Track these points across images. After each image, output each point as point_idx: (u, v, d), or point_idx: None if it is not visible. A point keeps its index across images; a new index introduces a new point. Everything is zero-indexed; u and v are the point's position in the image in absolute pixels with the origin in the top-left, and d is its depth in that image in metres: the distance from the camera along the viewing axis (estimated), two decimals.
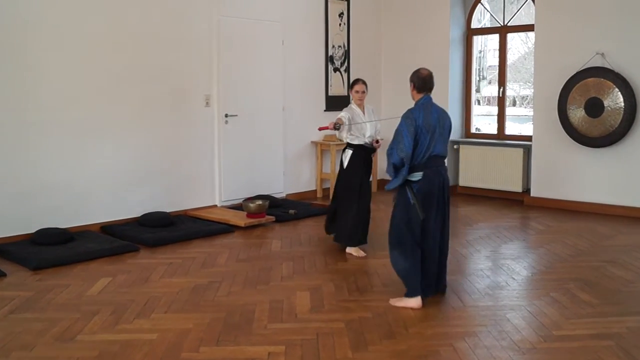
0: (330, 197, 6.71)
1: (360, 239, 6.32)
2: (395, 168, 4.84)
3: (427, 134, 4.77)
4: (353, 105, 6.40)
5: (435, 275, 4.90)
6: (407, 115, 4.85)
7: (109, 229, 7.05)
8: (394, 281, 5.36)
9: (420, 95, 4.97)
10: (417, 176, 4.81)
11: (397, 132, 4.83)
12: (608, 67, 7.94)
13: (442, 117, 4.91)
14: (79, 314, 4.58)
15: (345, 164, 6.34)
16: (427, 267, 4.84)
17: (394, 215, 4.96)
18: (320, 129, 6.60)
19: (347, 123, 6.24)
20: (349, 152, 6.34)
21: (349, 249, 6.32)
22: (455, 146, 9.75)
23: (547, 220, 7.84)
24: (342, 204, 6.36)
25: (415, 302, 4.75)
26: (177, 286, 5.25)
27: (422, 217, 4.77)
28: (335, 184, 6.56)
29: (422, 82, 4.96)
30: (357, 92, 6.36)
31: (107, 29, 7.11)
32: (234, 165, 8.39)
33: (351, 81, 6.78)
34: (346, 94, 9.88)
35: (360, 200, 6.29)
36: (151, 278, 5.49)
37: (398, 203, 4.93)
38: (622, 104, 7.83)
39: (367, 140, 6.34)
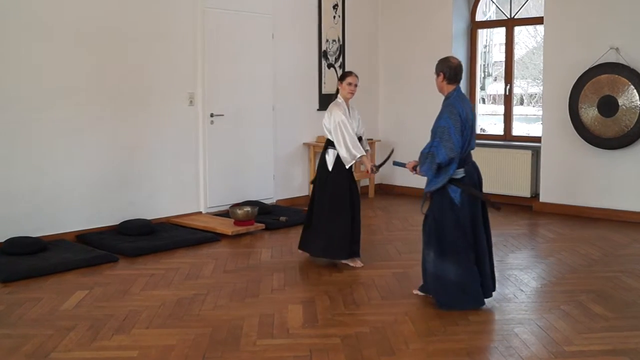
0: (309, 204, 6.51)
1: (352, 251, 6.24)
2: (438, 167, 4.83)
3: (468, 128, 4.85)
4: (340, 100, 6.28)
5: (489, 275, 4.97)
6: (451, 111, 4.85)
7: (85, 238, 7.04)
8: (393, 293, 5.38)
9: (451, 87, 5.00)
10: (460, 173, 4.87)
11: (443, 129, 4.81)
12: (623, 62, 7.98)
13: (471, 109, 5.00)
14: (52, 330, 4.56)
15: (331, 166, 6.20)
16: (483, 268, 4.91)
17: (436, 220, 4.94)
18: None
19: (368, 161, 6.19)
20: (334, 152, 6.21)
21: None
22: None
23: (557, 227, 7.87)
24: (327, 213, 6.18)
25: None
26: (159, 299, 5.24)
27: (491, 203, 4.85)
28: (316, 190, 6.34)
29: (454, 72, 4.98)
30: (350, 84, 6.24)
31: (82, 23, 7.11)
32: (220, 168, 8.40)
33: (341, 72, 6.65)
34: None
35: (352, 208, 6.21)
36: (131, 291, 5.48)
37: (439, 207, 4.92)
38: (638, 103, 7.88)
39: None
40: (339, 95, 6.32)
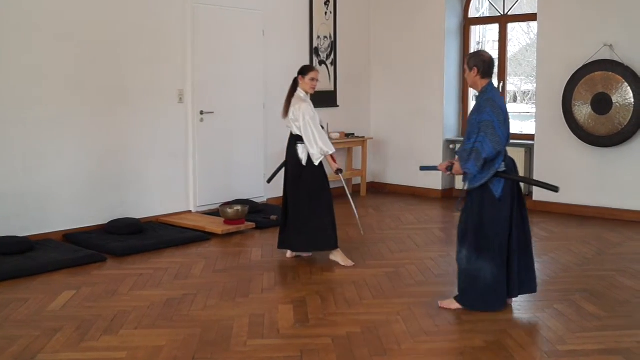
0: (283, 200, 6.48)
1: (336, 241, 6.32)
2: (484, 163, 4.78)
3: (507, 122, 4.86)
4: (303, 95, 6.26)
5: (517, 272, 4.93)
6: (493, 105, 4.83)
7: (72, 238, 7.02)
8: (385, 293, 5.39)
9: (485, 81, 4.97)
10: (502, 167, 4.85)
11: (487, 123, 4.78)
12: (617, 60, 8.01)
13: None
14: (39, 331, 4.55)
15: (305, 161, 6.18)
16: (511, 265, 4.88)
17: (475, 216, 4.90)
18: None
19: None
20: (304, 147, 6.18)
21: (335, 256, 6.31)
22: (451, 146, 9.79)
23: (550, 226, 7.89)
24: (308, 207, 6.19)
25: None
26: (148, 299, 5.23)
27: (548, 186, 4.87)
28: (290, 187, 6.31)
29: (488, 66, 4.96)
30: (313, 79, 6.24)
31: (68, 19, 7.08)
32: (210, 167, 8.39)
33: (302, 66, 6.44)
34: (333, 89, 9.90)
35: (330, 198, 6.29)
36: (119, 291, 5.46)
37: (480, 202, 4.88)
38: (632, 100, 7.91)
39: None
40: (300, 89, 6.27)
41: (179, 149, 8.13)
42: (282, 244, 6.49)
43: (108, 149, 7.46)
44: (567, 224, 7.98)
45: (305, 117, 6.11)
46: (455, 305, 4.97)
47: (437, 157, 9.69)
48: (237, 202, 8.18)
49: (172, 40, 7.97)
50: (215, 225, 7.50)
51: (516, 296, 5.02)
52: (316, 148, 6.10)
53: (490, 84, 4.98)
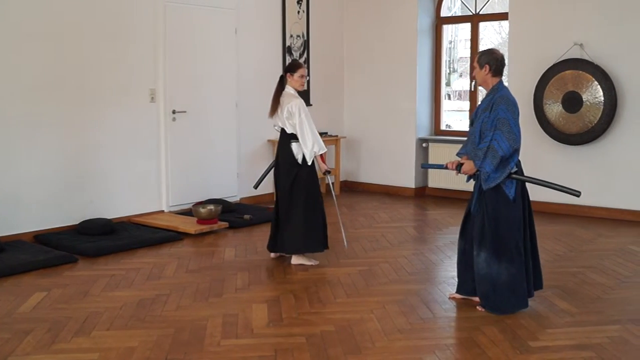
0: (277, 200, 6.40)
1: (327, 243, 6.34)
2: (500, 161, 4.75)
3: (519, 122, 4.86)
4: (293, 92, 6.19)
5: (532, 274, 4.96)
6: (508, 102, 4.82)
7: (43, 238, 6.95)
8: (359, 291, 5.40)
9: (496, 80, 4.96)
10: (514, 167, 4.83)
11: (503, 121, 4.76)
12: (587, 58, 8.10)
13: None
14: (9, 334, 4.50)
15: (300, 159, 6.13)
16: (528, 266, 4.90)
17: (490, 218, 4.85)
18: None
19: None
20: (298, 145, 6.13)
21: (299, 259, 6.23)
22: (424, 144, 9.84)
23: None
24: (303, 207, 6.13)
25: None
26: (120, 300, 5.20)
27: (569, 190, 4.79)
28: (285, 186, 6.20)
29: (501, 63, 4.95)
30: (302, 76, 6.18)
31: (38, 17, 7.01)
32: (182, 166, 8.35)
33: (290, 63, 6.34)
34: (306, 88, 9.89)
35: (322, 198, 6.30)
36: (91, 292, 5.42)
37: (494, 203, 4.85)
38: (602, 99, 8.00)
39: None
40: (289, 87, 6.21)
41: (151, 149, 8.08)
42: (275, 247, 6.36)
43: (79, 148, 7.40)
44: (539, 221, 7.97)
45: (301, 114, 6.05)
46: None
47: (410, 156, 9.74)
48: (210, 201, 8.16)
49: (144, 39, 7.92)
50: (188, 225, 7.47)
51: (532, 296, 5.01)
52: (310, 146, 6.06)
53: (501, 82, 4.98)
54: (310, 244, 6.20)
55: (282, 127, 6.20)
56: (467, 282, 5.10)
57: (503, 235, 4.83)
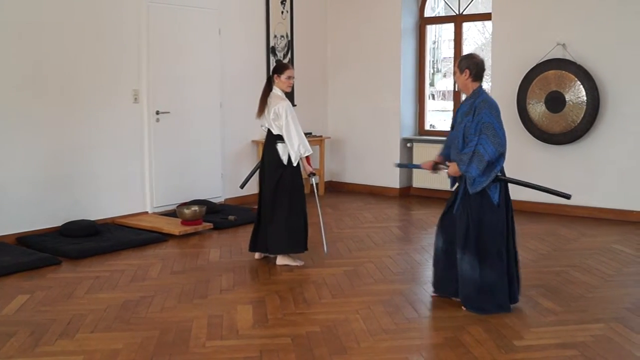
0: (259, 201, 6.43)
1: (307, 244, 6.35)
2: (485, 166, 4.78)
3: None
4: (281, 93, 6.18)
5: (515, 279, 4.99)
6: (491, 107, 4.85)
7: (26, 240, 6.90)
8: (344, 291, 5.41)
9: (476, 84, 4.99)
10: (498, 173, 4.87)
11: (487, 125, 4.78)
12: (569, 58, 8.15)
13: None
14: None
15: (286, 160, 6.14)
16: (511, 270, 4.92)
17: (475, 221, 4.88)
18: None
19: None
20: (284, 146, 6.13)
21: (284, 260, 6.24)
22: (408, 144, 9.86)
23: None
24: (288, 207, 6.13)
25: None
26: (104, 302, 5.17)
27: (560, 193, 4.88)
28: (270, 187, 6.20)
29: (481, 68, 4.98)
30: (289, 77, 6.19)
31: (19, 17, 6.96)
32: (166, 167, 8.32)
33: (277, 65, 6.34)
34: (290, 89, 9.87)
35: (305, 199, 6.31)
36: (75, 294, 5.40)
37: (479, 207, 4.88)
38: (585, 98, 8.05)
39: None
40: (276, 88, 6.20)
41: (134, 150, 8.05)
42: (256, 247, 6.38)
43: (62, 149, 7.35)
44: (522, 221, 8.09)
45: (287, 116, 6.05)
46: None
47: (394, 156, 9.75)
48: (195, 202, 8.14)
49: (127, 39, 7.89)
50: (173, 226, 7.45)
51: (517, 301, 5.01)
52: (296, 147, 6.06)
53: (482, 87, 5.01)
54: (293, 245, 6.21)
55: (269, 127, 6.20)
56: (449, 282, 5.12)
57: (486, 239, 4.86)
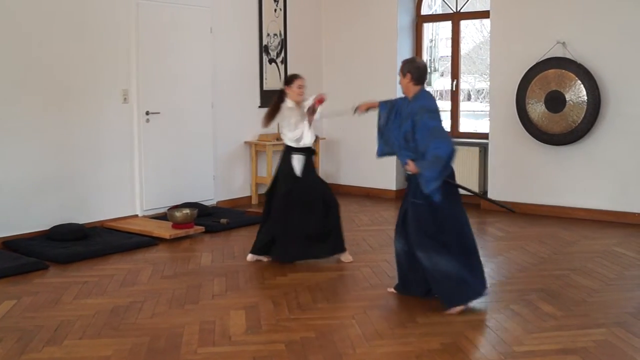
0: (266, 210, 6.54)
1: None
2: (443, 166, 4.94)
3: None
4: (291, 104, 6.33)
5: (481, 271, 5.16)
6: (430, 111, 5.02)
7: (12, 245, 6.89)
8: (339, 296, 5.41)
9: (417, 88, 5.16)
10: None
11: (435, 128, 4.97)
12: (570, 57, 8.16)
13: None
14: None
15: (299, 172, 6.31)
16: (472, 261, 5.09)
17: (420, 219, 5.07)
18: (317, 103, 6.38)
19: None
20: (300, 157, 6.33)
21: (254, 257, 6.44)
22: None
23: (505, 225, 8.00)
24: (300, 217, 6.28)
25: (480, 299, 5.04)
26: (93, 308, 5.16)
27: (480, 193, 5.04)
28: (282, 197, 6.33)
29: (422, 72, 5.15)
30: (300, 87, 6.35)
31: (8, 16, 6.95)
32: (156, 169, 8.31)
33: (286, 76, 6.65)
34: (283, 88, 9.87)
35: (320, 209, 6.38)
36: (63, 299, 5.38)
37: (424, 205, 5.04)
38: (585, 98, 8.06)
39: (308, 141, 6.36)
40: (288, 100, 6.36)
41: (124, 151, 8.03)
42: (260, 251, 6.47)
43: (49, 151, 7.34)
44: (522, 223, 8.10)
45: (290, 120, 6.26)
46: (456, 309, 5.00)
47: (391, 157, 9.71)
48: (186, 205, 8.13)
49: (116, 38, 7.87)
50: (163, 230, 7.44)
51: (486, 287, 5.22)
52: (290, 136, 6.29)
53: (423, 90, 5.18)
54: (313, 251, 6.39)
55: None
56: (414, 283, 5.30)
57: (434, 233, 5.03)
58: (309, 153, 6.41)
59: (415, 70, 5.12)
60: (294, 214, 6.31)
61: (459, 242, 5.07)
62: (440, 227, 5.04)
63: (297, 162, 6.32)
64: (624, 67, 7.97)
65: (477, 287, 5.09)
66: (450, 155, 4.93)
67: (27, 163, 7.16)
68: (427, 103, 5.09)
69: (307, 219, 6.31)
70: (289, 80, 6.44)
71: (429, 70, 10.36)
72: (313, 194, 6.35)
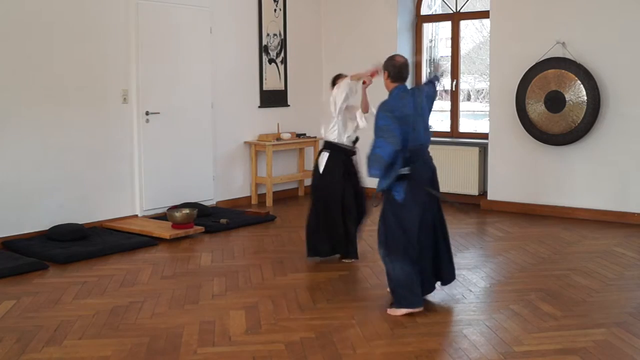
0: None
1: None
2: (386, 166, 4.95)
3: (406, 125, 4.99)
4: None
5: (430, 272, 5.14)
6: (385, 108, 5.04)
7: (11, 245, 6.89)
8: (339, 296, 5.41)
9: (394, 85, 5.19)
10: (404, 171, 4.99)
11: (380, 128, 4.98)
12: (569, 57, 8.16)
13: (418, 102, 5.11)
14: None
15: (322, 168, 6.39)
16: (424, 266, 5.07)
17: (383, 218, 5.13)
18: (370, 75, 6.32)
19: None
20: (324, 154, 6.44)
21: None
22: None
23: (505, 225, 8.01)
24: (323, 215, 6.37)
25: (416, 310, 4.95)
26: (92, 308, 5.16)
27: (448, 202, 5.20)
28: (312, 190, 6.59)
29: (398, 70, 5.18)
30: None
31: (5, 15, 6.95)
32: (156, 169, 8.31)
33: (334, 78, 6.72)
34: (283, 88, 9.89)
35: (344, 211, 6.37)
36: (62, 300, 5.38)
37: (385, 205, 5.11)
38: (585, 98, 8.06)
39: (344, 140, 6.46)
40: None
41: (123, 151, 8.03)
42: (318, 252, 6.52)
43: (49, 151, 7.33)
44: (522, 223, 8.10)
45: (339, 95, 6.36)
46: (399, 311, 4.99)
47: None
48: (185, 205, 8.13)
49: (116, 38, 7.87)
50: (163, 230, 7.44)
51: (431, 291, 5.24)
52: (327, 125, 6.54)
53: (398, 87, 5.18)
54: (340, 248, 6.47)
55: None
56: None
57: (394, 235, 5.05)
58: (337, 151, 6.44)
59: (392, 68, 5.18)
60: (312, 210, 6.45)
61: (410, 246, 5.01)
62: (400, 228, 5.03)
63: (321, 158, 6.44)
64: (624, 67, 7.97)
65: (415, 301, 4.97)
66: (391, 157, 4.92)
67: (27, 163, 7.16)
68: (388, 101, 5.10)
69: (318, 217, 6.38)
70: (335, 80, 6.57)
71: (429, 70, 10.40)
72: (333, 195, 6.35)
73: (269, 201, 9.31)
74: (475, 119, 10.84)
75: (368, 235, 7.51)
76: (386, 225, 5.10)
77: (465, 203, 9.14)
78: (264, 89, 9.66)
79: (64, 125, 7.45)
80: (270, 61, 9.74)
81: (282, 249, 6.96)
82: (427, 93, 5.29)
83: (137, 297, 5.43)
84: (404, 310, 4.96)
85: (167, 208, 8.09)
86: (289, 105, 9.97)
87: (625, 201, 8.07)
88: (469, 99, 11.55)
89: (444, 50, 10.59)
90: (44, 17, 7.22)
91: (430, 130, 5.29)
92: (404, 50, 9.86)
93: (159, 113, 8.28)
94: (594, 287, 5.59)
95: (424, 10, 10.07)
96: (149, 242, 7.16)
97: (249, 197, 9.55)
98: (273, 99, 9.72)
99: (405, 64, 5.22)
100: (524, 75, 8.48)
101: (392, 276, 5.08)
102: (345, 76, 6.43)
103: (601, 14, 8.06)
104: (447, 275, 5.34)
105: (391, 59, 5.24)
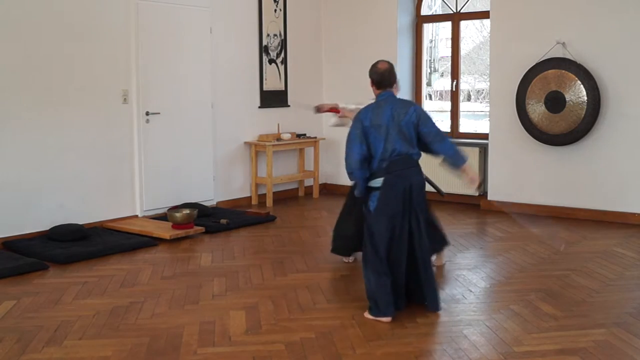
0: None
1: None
2: (353, 172, 5.04)
3: (379, 135, 4.94)
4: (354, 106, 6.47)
5: (403, 287, 5.02)
6: (356, 117, 5.06)
7: (12, 245, 6.89)
8: (339, 297, 5.41)
9: (378, 91, 5.15)
10: (377, 183, 4.96)
11: (348, 136, 5.05)
12: (570, 57, 8.16)
13: (398, 113, 4.97)
14: None
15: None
16: (396, 281, 4.95)
17: (362, 227, 5.17)
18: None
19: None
20: None
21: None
22: None
23: (505, 225, 8.01)
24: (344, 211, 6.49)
25: (384, 319, 4.86)
26: (93, 308, 5.16)
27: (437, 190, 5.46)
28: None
29: (380, 77, 5.12)
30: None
31: (4, 15, 6.95)
32: (157, 169, 8.31)
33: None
34: (284, 88, 9.89)
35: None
36: (63, 300, 5.38)
37: (364, 213, 5.12)
38: (585, 98, 8.06)
39: None
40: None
41: (124, 151, 8.03)
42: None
43: (49, 151, 7.33)
44: (522, 223, 8.09)
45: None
46: (371, 317, 4.95)
47: None
48: (186, 205, 8.13)
49: (116, 38, 7.87)
50: (163, 230, 7.44)
51: (401, 309, 5.00)
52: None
53: (381, 94, 5.13)
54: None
55: None
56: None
57: (367, 244, 5.02)
58: None
59: (374, 75, 5.13)
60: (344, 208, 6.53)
61: (382, 255, 4.93)
62: (369, 238, 4.99)
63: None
64: (624, 67, 7.97)
65: (381, 311, 4.87)
66: (357, 164, 4.96)
67: (27, 163, 7.17)
68: (361, 110, 5.13)
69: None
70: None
71: (429, 71, 10.40)
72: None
73: (269, 201, 9.32)
74: (475, 119, 10.85)
75: None
76: (362, 235, 5.14)
77: (463, 203, 9.15)
78: (264, 89, 9.66)
79: (64, 125, 7.46)
80: (271, 61, 9.74)
81: (282, 249, 6.96)
82: (409, 118, 4.97)
83: (137, 297, 5.44)
84: (373, 317, 4.91)
85: (167, 208, 8.09)
86: (289, 106, 9.96)
87: (625, 201, 8.07)
88: (469, 99, 11.56)
89: (444, 50, 10.59)
90: (44, 17, 7.23)
91: (432, 140, 5.03)
92: (404, 50, 9.87)
93: (159, 113, 8.28)
94: (594, 288, 5.59)
95: (424, 11, 10.07)
96: (149, 242, 7.16)
97: (249, 198, 9.56)
98: (274, 99, 9.72)
99: (387, 69, 5.11)
100: (524, 76, 8.48)
101: (366, 284, 5.06)
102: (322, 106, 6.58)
103: (601, 14, 8.06)
104: (431, 302, 5.03)
105: (374, 66, 5.18)
